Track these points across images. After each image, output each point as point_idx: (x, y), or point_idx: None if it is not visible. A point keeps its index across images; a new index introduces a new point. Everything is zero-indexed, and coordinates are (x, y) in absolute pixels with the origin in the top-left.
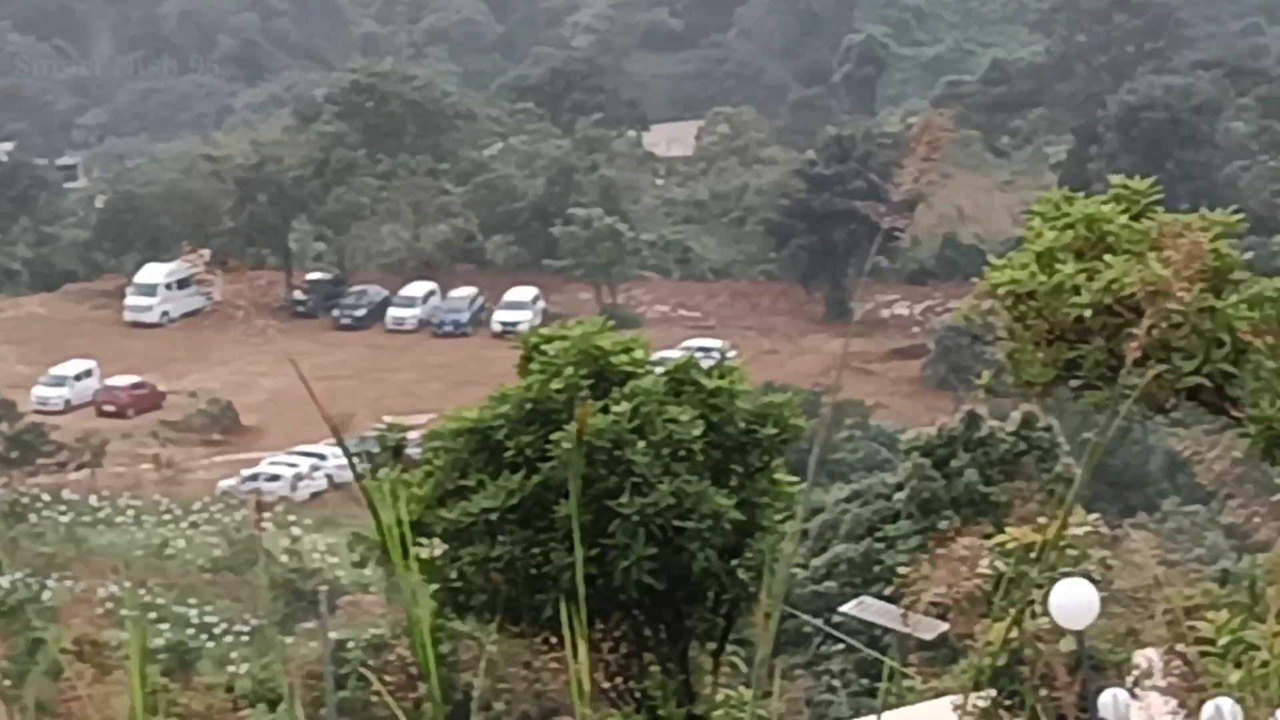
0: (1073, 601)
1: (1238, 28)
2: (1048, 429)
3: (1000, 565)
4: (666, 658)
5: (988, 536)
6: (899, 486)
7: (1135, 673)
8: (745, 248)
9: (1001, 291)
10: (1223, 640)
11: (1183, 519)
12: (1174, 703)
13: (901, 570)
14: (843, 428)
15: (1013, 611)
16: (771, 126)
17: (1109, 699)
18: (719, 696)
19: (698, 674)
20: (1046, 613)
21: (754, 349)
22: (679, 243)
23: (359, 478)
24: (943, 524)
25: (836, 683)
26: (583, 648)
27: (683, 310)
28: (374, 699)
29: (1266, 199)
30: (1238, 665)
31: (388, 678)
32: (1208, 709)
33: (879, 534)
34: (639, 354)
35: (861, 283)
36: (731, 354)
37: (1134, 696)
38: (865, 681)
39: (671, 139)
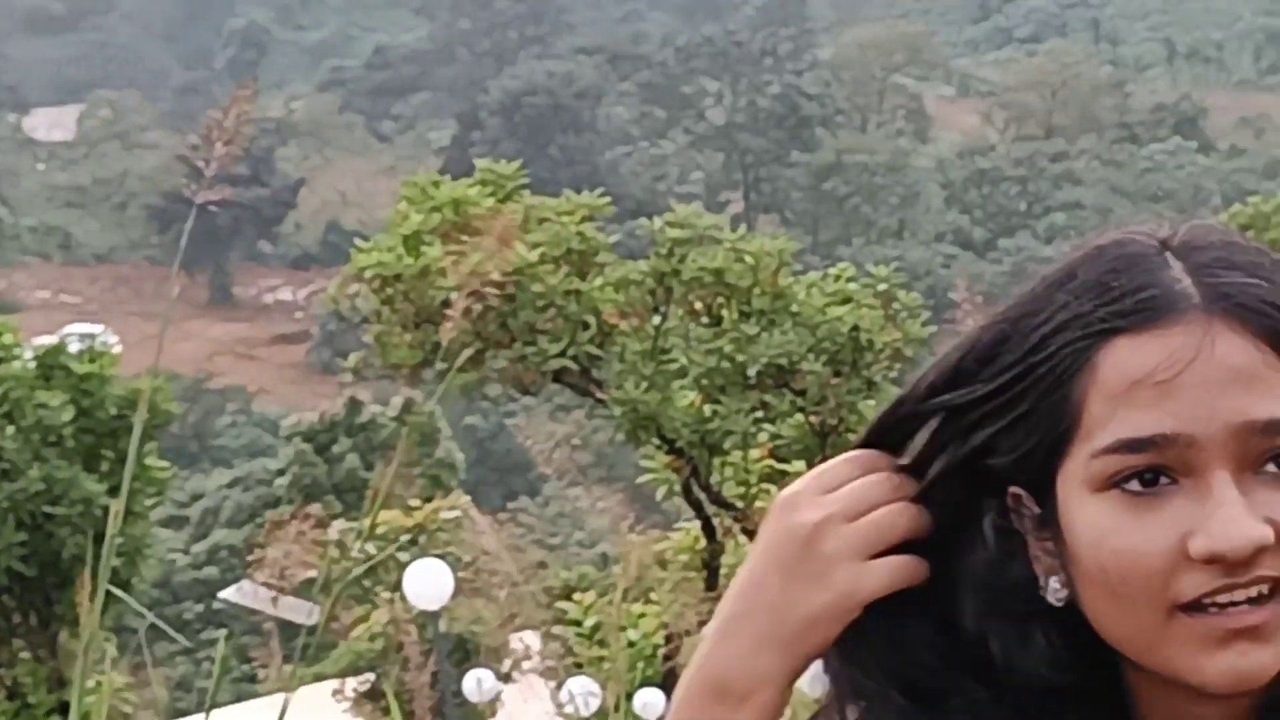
0: (427, 582)
1: (619, 14)
2: (429, 414)
3: (371, 549)
4: (37, 644)
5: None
6: (281, 472)
7: (513, 656)
8: (128, 233)
9: (369, 274)
10: (589, 621)
11: (565, 503)
12: (552, 685)
13: (268, 554)
14: (225, 413)
15: (382, 595)
16: (155, 111)
17: (473, 682)
18: (90, 682)
19: (68, 660)
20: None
21: (138, 334)
22: (60, 228)
23: None
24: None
25: (217, 668)
26: None
27: (65, 295)
28: None
29: (647, 184)
30: (603, 645)
31: None
32: (564, 691)
33: (260, 520)
34: (8, 339)
35: (244, 267)
36: (113, 339)
37: (510, 679)
38: (246, 667)
39: (52, 123)
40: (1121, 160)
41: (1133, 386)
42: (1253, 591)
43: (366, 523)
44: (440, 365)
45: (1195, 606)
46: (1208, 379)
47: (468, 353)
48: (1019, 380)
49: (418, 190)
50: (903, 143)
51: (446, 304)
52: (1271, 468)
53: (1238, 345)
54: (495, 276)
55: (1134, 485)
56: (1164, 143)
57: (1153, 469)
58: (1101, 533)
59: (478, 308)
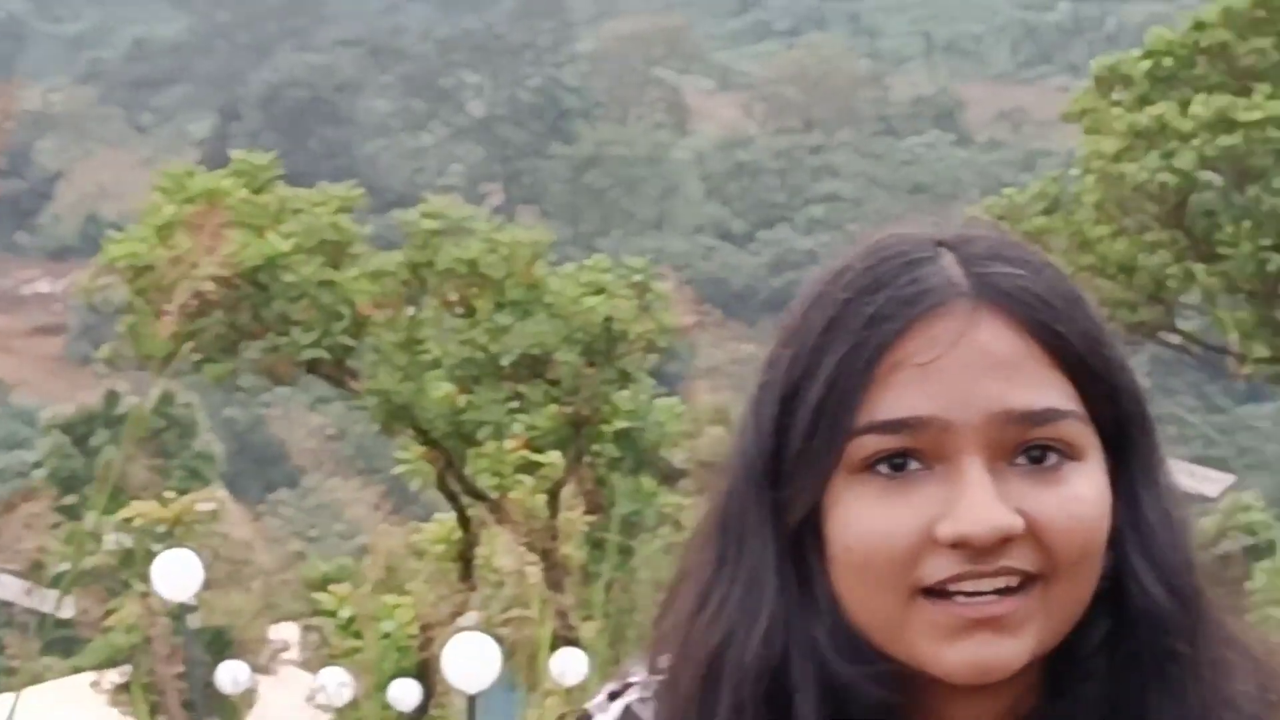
0: (176, 573)
1: (379, 6)
2: (187, 405)
3: (125, 540)
4: None
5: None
6: (38, 464)
7: (271, 648)
8: None
9: (121, 265)
10: (345, 613)
11: (324, 494)
12: (310, 677)
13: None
14: None
15: (137, 588)
16: None
17: (228, 674)
18: None
19: None
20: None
21: None
22: None
23: None
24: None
25: None
26: None
27: None
28: None
29: (406, 176)
30: (359, 636)
31: None
32: (316, 681)
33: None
34: None
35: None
36: None
37: (268, 671)
38: (1, 659)
39: None
40: (880, 152)
41: (893, 369)
42: (999, 582)
43: (100, 512)
44: (194, 357)
45: (940, 593)
46: (968, 365)
47: (189, 346)
48: (813, 410)
49: (172, 181)
50: (662, 135)
51: (198, 295)
52: (1024, 460)
53: (1002, 334)
54: (217, 271)
55: (885, 468)
56: (922, 135)
57: (906, 453)
58: (852, 514)
59: (194, 302)
